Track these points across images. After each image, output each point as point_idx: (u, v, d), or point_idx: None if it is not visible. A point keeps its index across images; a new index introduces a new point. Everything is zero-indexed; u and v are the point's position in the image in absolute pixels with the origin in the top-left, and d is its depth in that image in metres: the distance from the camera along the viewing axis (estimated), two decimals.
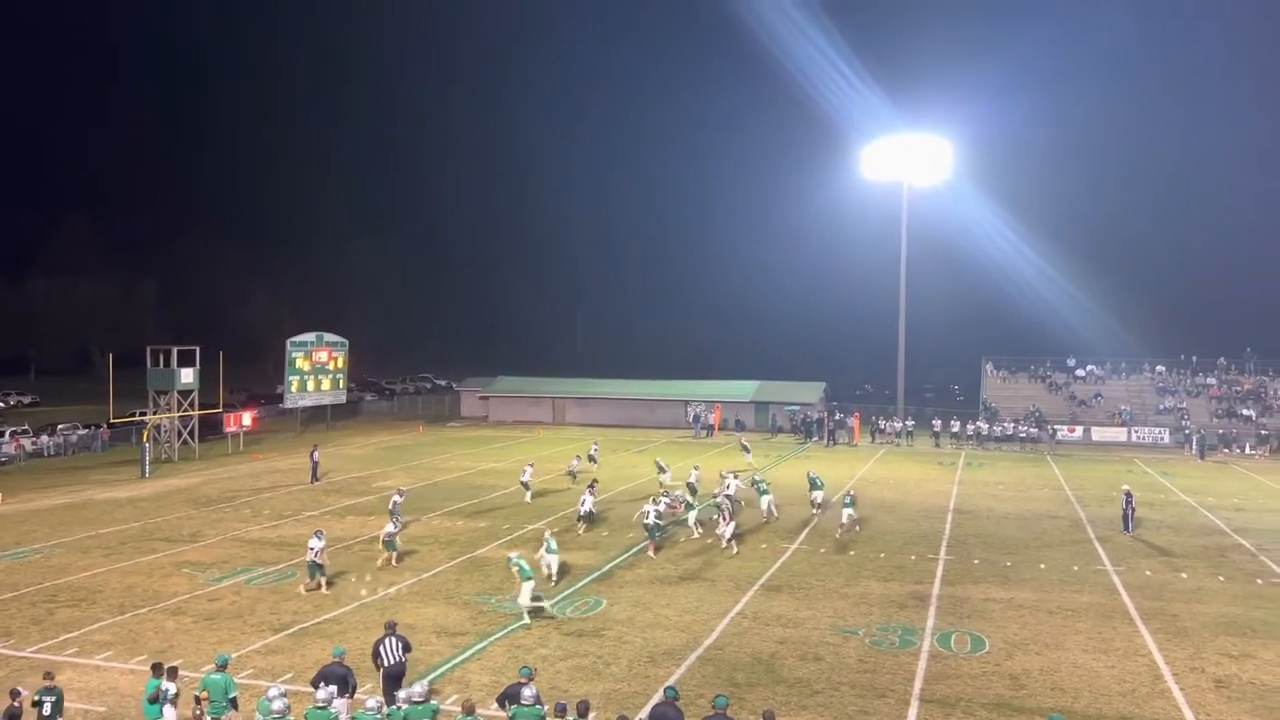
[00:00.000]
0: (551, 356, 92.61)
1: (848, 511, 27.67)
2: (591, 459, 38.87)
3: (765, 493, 30.03)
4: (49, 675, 13.29)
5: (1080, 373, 62.03)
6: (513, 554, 20.11)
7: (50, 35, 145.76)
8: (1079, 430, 54.78)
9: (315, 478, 36.88)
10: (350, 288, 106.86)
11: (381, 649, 14.41)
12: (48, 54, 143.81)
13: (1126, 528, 28.33)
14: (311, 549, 21.10)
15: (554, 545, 22.06)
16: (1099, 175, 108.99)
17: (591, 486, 29.61)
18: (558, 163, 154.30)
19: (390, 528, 24.58)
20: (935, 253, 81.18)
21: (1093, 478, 39.99)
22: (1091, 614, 19.86)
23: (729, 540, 25.64)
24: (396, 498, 27.74)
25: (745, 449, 44.44)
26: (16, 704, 12.91)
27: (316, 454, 37.86)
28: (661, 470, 35.17)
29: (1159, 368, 61.25)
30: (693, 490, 30.50)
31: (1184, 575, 23.20)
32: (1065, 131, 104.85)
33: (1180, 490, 36.61)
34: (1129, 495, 28.90)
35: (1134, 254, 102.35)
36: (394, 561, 23.81)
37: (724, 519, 26.15)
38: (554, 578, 22.01)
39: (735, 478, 31.76)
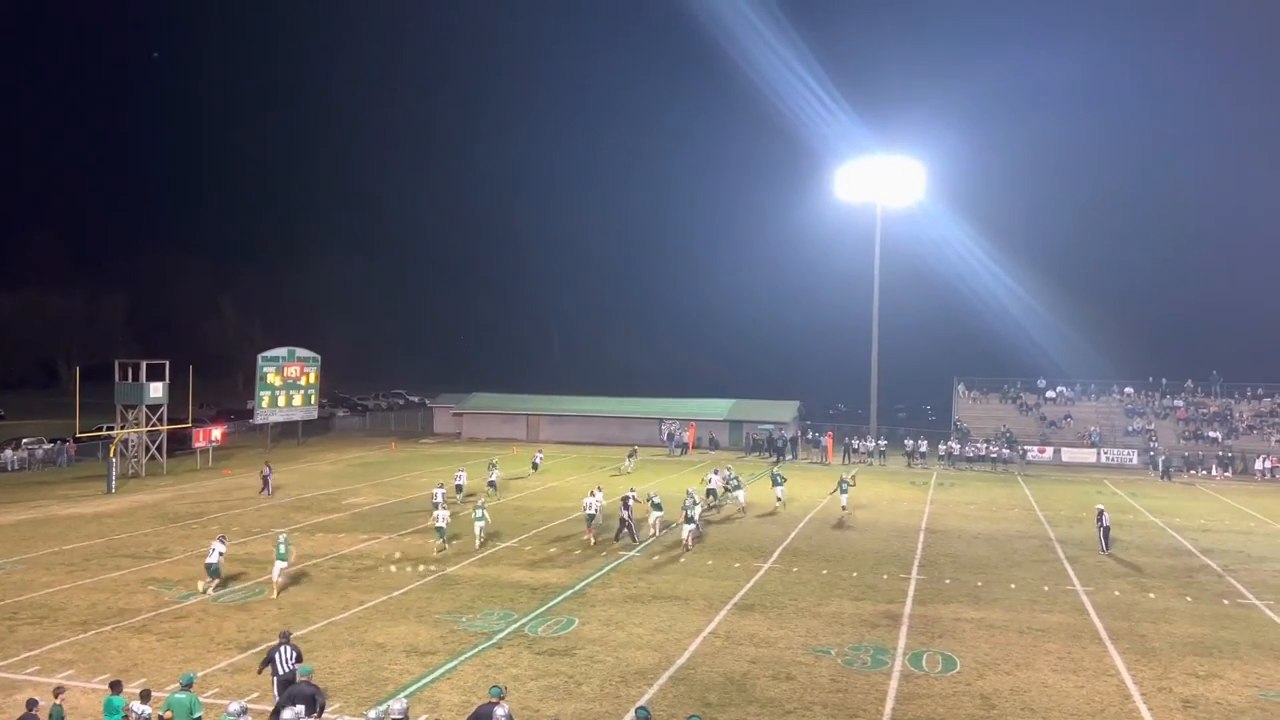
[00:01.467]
0: (526, 374, 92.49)
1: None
2: (535, 465, 39.02)
3: (739, 488, 35.24)
4: (59, 692, 13.31)
5: (1050, 394, 62.72)
6: (282, 534, 21.36)
7: (17, 49, 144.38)
8: (1049, 451, 55.29)
9: (268, 490, 37.56)
10: (323, 303, 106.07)
11: (276, 656, 14.66)
12: (13, 67, 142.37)
13: (1104, 546, 28.62)
14: (214, 550, 22.66)
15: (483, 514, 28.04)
16: (1069, 198, 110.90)
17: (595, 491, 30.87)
18: (534, 181, 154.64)
19: (442, 516, 27.76)
20: (908, 273, 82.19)
21: (1063, 498, 40.34)
22: (1061, 634, 19.99)
23: (687, 539, 27.98)
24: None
25: (777, 482, 36.76)
26: (34, 713, 12.75)
27: (269, 470, 38.68)
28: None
29: (1128, 390, 62.03)
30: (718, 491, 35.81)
31: (1152, 595, 23.42)
32: (1035, 155, 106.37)
33: (1148, 511, 37.01)
34: (1102, 513, 29.31)
35: (1103, 277, 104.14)
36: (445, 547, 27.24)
37: (684, 517, 28.27)
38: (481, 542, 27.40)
39: (716, 473, 37.26)
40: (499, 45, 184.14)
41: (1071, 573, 25.84)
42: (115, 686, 13.41)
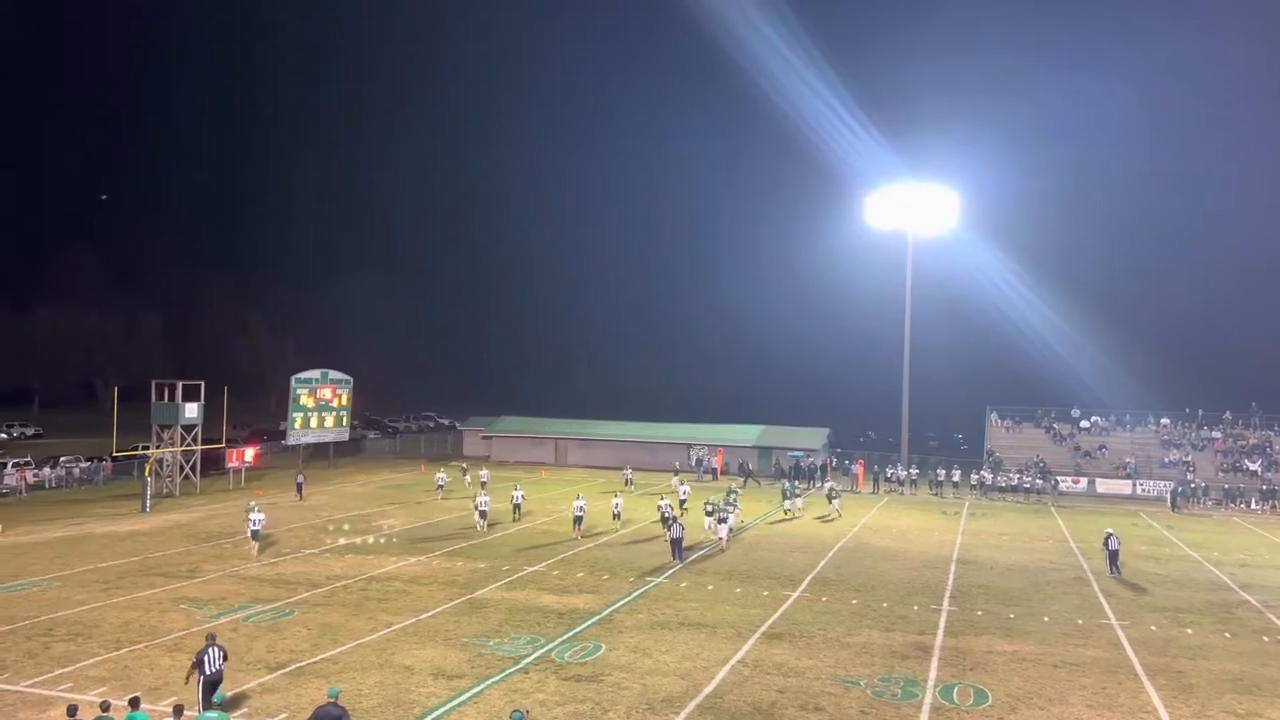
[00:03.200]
0: (553, 399, 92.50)
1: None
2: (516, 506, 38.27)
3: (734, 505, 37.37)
4: (105, 706, 13.46)
5: (1085, 424, 61.90)
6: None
7: (55, 69, 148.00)
8: (1083, 482, 54.50)
9: (299, 496, 42.33)
10: (356, 326, 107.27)
11: (205, 658, 15.42)
12: (54, 89, 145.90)
13: (1112, 570, 29.54)
14: (254, 520, 29.86)
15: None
16: (1107, 227, 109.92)
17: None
18: (562, 208, 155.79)
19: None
20: (940, 301, 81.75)
21: (1097, 530, 39.65)
22: (1096, 668, 19.64)
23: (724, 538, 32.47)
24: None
25: (832, 497, 42.20)
26: (104, 715, 13.07)
27: (302, 478, 44.10)
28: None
29: (1164, 420, 61.08)
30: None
31: (1189, 631, 22.97)
32: (1073, 182, 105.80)
33: (1185, 545, 36.35)
34: (1109, 537, 30.33)
35: (1140, 306, 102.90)
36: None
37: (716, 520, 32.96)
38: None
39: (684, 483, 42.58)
40: (528, 71, 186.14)
41: (1106, 606, 25.41)
42: (134, 703, 13.60)
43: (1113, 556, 29.86)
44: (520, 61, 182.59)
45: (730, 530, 33.21)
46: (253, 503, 32.49)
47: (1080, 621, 23.63)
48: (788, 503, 40.79)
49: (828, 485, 45.44)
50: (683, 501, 40.01)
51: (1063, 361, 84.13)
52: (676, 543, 29.86)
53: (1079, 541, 36.28)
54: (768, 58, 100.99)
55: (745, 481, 52.51)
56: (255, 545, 29.90)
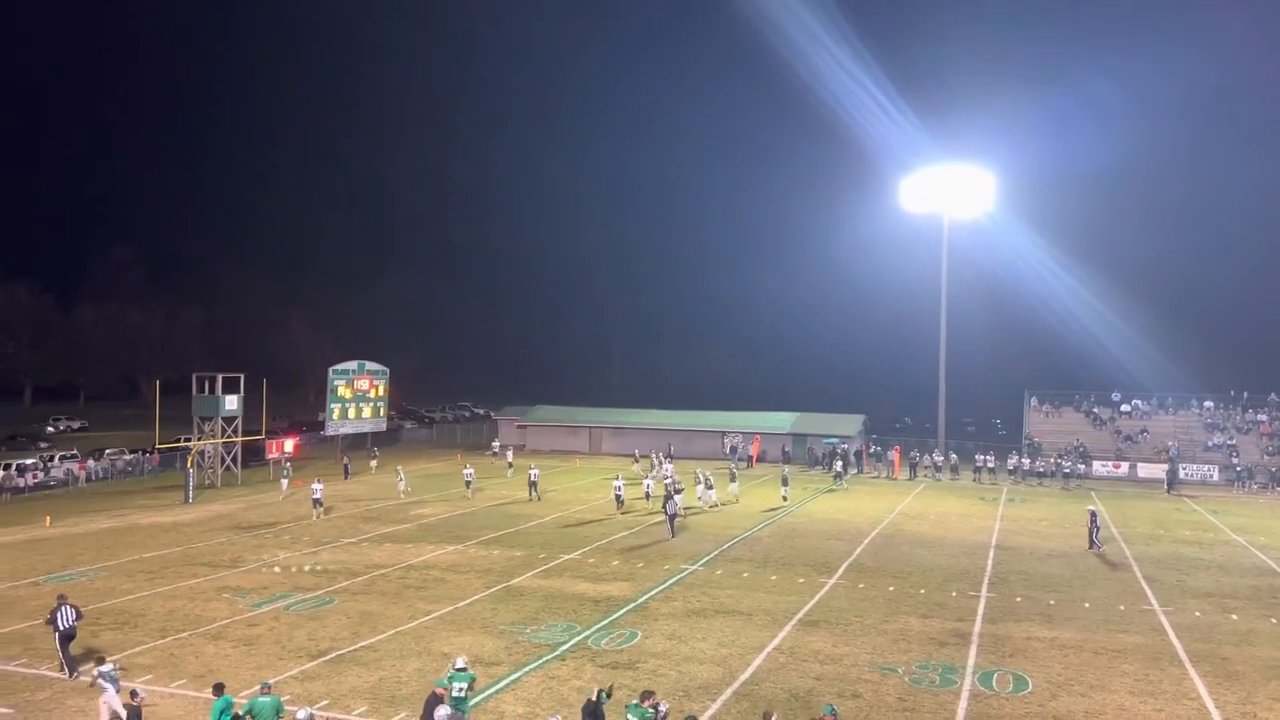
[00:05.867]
0: (587, 391, 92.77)
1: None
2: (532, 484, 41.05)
3: (710, 487, 38.69)
4: (135, 695, 14.06)
5: (1126, 407, 60.91)
6: (460, 659, 15.52)
7: (98, 70, 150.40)
8: (1124, 466, 53.70)
9: (346, 477, 45.15)
10: (392, 318, 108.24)
11: (57, 616, 17.45)
12: (96, 91, 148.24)
13: (1092, 545, 30.56)
14: (316, 490, 35.24)
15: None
16: (1148, 207, 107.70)
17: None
18: (596, 201, 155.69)
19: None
20: (977, 285, 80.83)
21: (1138, 515, 39.16)
22: (1138, 655, 19.38)
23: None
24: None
25: (839, 475, 47.38)
26: (136, 703, 13.79)
27: (347, 460, 47.50)
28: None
29: (1207, 403, 59.94)
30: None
31: (1235, 617, 22.59)
32: (1112, 163, 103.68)
33: (1230, 530, 35.71)
34: (1093, 514, 31.54)
35: (1185, 288, 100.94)
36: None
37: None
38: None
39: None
40: (560, 63, 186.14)
41: (1149, 592, 25.06)
42: (219, 689, 13.99)
43: (1094, 532, 31.01)
44: (551, 53, 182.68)
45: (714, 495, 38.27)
46: (320, 478, 37.32)
47: (1122, 607, 23.32)
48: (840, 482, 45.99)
49: (836, 465, 48.27)
50: (647, 494, 38.05)
51: (1103, 345, 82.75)
52: (672, 518, 32.43)
53: (1121, 527, 35.77)
54: (799, 39, 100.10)
55: (826, 467, 53.11)
56: (318, 512, 34.87)
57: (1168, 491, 47.33)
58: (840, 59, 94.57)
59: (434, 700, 13.60)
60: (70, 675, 17.29)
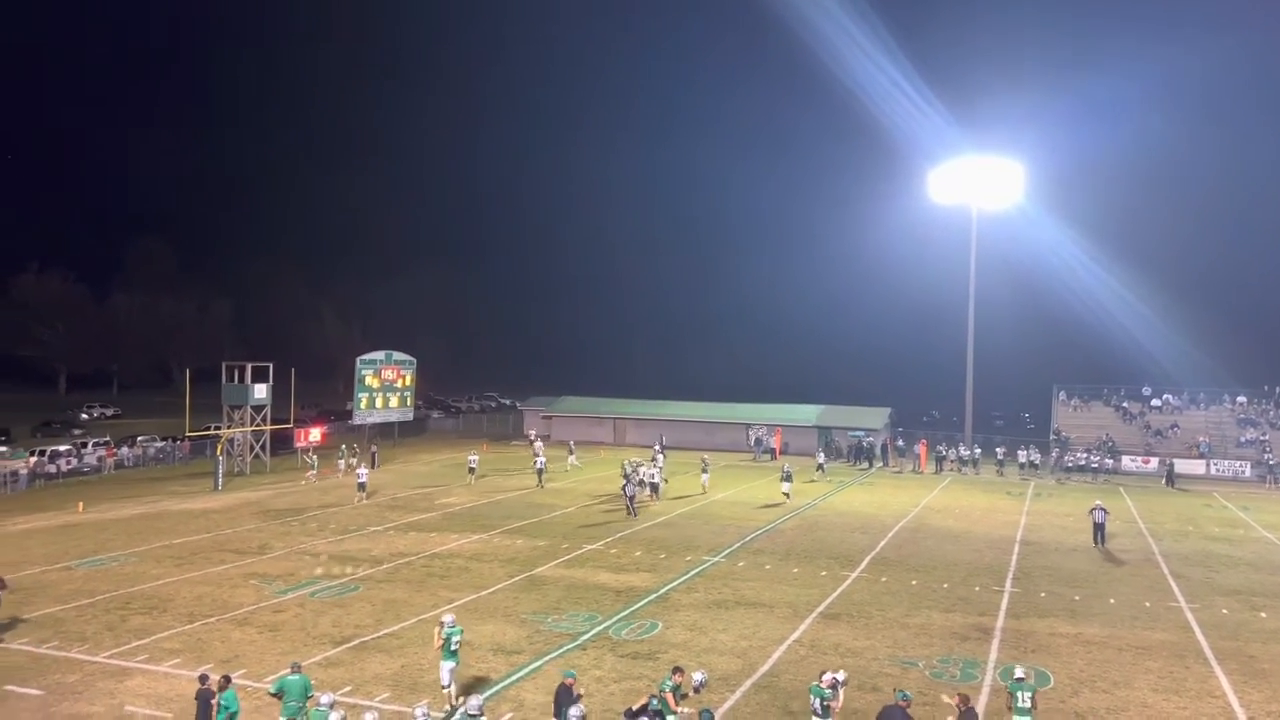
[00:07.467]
0: (611, 382, 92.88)
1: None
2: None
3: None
4: (227, 678, 14.16)
5: (1156, 402, 60.20)
6: (447, 617, 16.46)
7: (132, 68, 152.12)
8: (1153, 462, 53.08)
9: (374, 465, 44.34)
10: (419, 309, 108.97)
11: None
12: (128, 83, 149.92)
13: (1096, 540, 30.50)
14: (361, 474, 37.68)
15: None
16: (1179, 198, 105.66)
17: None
18: (622, 189, 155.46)
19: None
20: (1006, 277, 79.93)
21: (1167, 511, 38.73)
22: (1163, 652, 19.21)
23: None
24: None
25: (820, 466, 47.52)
26: (206, 686, 13.83)
27: (375, 448, 47.51)
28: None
29: (1240, 398, 59.15)
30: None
31: (1263, 614, 22.32)
32: (1143, 153, 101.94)
33: (1261, 526, 35.25)
34: (1100, 509, 31.09)
35: (1216, 281, 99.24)
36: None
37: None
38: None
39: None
40: (583, 58, 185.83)
41: (1176, 588, 24.80)
42: (295, 668, 14.30)
43: (1098, 529, 30.68)
44: (577, 44, 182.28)
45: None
46: (364, 466, 39.50)
47: (1148, 604, 23.11)
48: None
49: (819, 457, 49.12)
50: (643, 483, 38.64)
51: (1133, 339, 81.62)
52: (631, 499, 34.63)
53: (1148, 523, 35.42)
54: (825, 28, 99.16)
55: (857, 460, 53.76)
56: (361, 495, 36.81)
57: (1166, 485, 47.09)
58: (867, 49, 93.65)
59: (565, 692, 13.45)
60: None
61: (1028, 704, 13.69)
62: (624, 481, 35.65)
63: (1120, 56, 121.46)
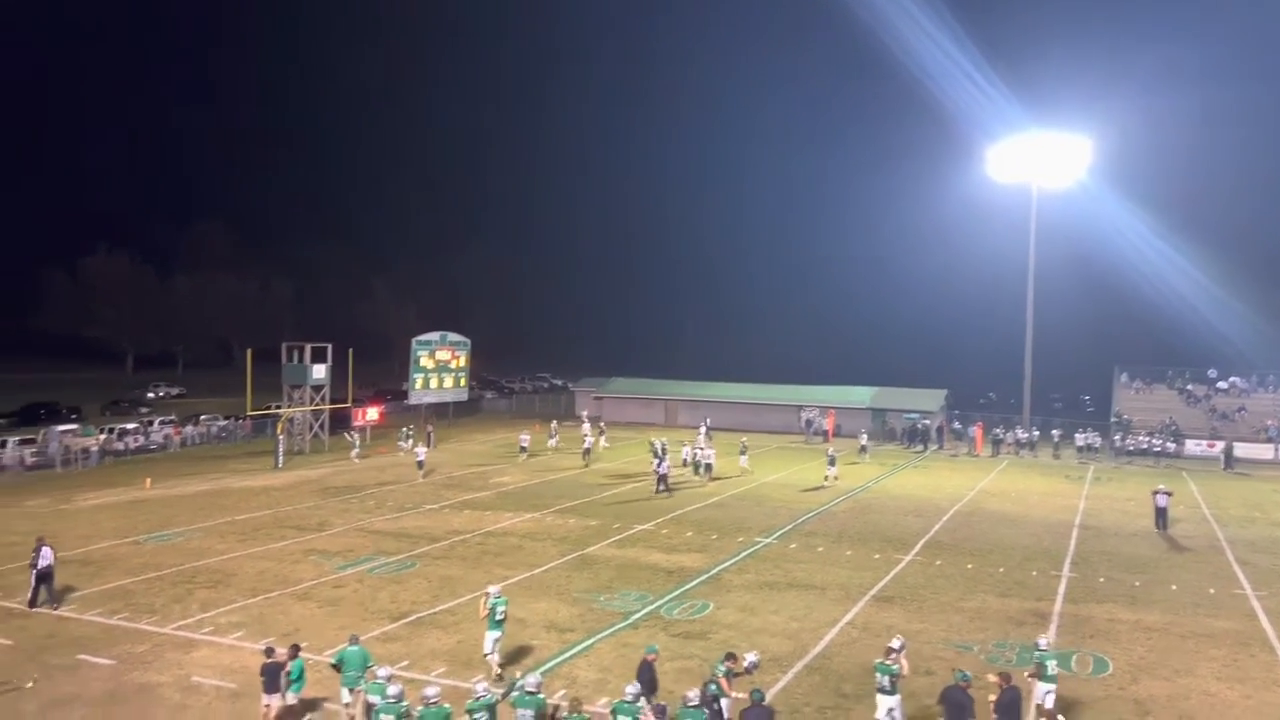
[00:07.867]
0: (662, 364, 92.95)
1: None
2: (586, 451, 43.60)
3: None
4: (296, 648, 14.69)
5: (1222, 384, 58.53)
6: (493, 588, 16.75)
7: (195, 60, 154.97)
8: (1218, 446, 51.65)
9: (430, 444, 44.63)
10: (474, 290, 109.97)
11: (39, 556, 19.42)
12: (194, 76, 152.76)
13: (1159, 525, 29.91)
14: (420, 452, 38.83)
15: None
16: (1252, 173, 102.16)
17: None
18: (675, 167, 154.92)
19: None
20: (1066, 257, 78.01)
21: (1233, 496, 37.75)
22: (1227, 640, 18.79)
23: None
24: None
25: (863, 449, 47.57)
26: (274, 660, 14.25)
27: (431, 428, 48.69)
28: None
29: None
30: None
31: None
32: (1211, 128, 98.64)
33: None
34: (1163, 493, 30.34)
35: None
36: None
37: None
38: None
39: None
40: (636, 39, 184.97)
41: (1241, 575, 24.21)
42: (354, 640, 14.67)
43: (1160, 513, 30.07)
44: (630, 26, 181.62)
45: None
46: (421, 447, 40.05)
47: (1212, 591, 22.60)
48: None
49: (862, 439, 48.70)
50: (685, 462, 40.54)
51: (1200, 319, 79.22)
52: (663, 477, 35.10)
53: (1213, 508, 34.57)
54: (882, 4, 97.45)
55: (912, 443, 53.34)
56: (421, 472, 37.81)
57: (1224, 470, 46.01)
58: (925, 26, 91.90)
59: (646, 668, 13.78)
60: (31, 606, 19.52)
61: (1055, 671, 14.27)
62: (655, 460, 35.95)
63: (1189, 24, 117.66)
